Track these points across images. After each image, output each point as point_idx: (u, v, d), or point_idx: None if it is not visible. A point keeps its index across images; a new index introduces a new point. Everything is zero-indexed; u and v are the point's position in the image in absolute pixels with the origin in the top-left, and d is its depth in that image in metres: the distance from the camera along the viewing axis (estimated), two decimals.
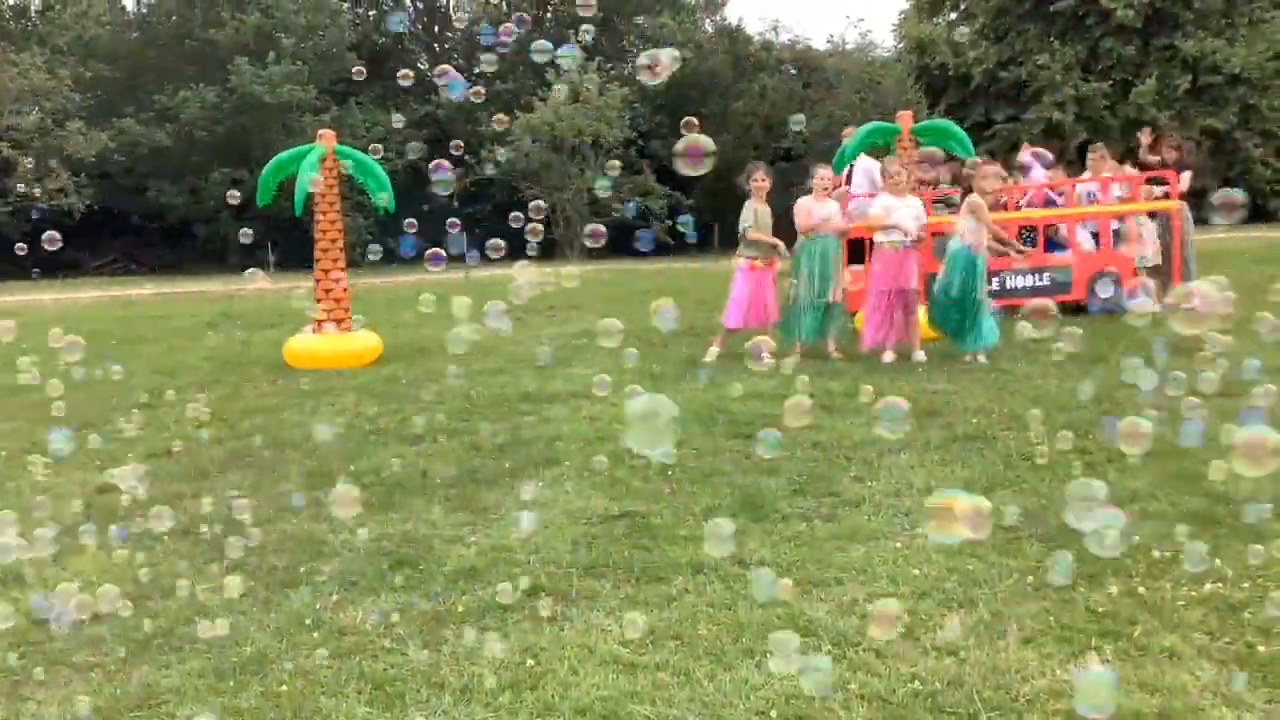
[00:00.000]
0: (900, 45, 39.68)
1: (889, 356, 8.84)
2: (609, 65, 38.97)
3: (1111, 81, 31.95)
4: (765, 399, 7.18)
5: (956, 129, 11.19)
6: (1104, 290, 11.59)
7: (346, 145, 10.40)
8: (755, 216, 9.19)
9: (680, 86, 39.15)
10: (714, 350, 9.27)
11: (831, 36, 64.66)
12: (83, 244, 36.09)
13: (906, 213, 8.92)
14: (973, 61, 33.35)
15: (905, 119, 10.86)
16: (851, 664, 3.30)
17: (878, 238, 9.05)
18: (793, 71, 43.38)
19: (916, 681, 3.16)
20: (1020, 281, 11.64)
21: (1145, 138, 12.95)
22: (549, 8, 40.80)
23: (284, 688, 3.29)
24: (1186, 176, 11.77)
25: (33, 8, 38.63)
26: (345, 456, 6.19)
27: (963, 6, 36.10)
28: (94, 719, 3.16)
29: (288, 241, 33.81)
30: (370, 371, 9.33)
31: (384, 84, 39.48)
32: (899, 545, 4.30)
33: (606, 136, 35.10)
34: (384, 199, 10.22)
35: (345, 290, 10.07)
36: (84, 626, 3.83)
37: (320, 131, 10.27)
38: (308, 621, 3.79)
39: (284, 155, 10.26)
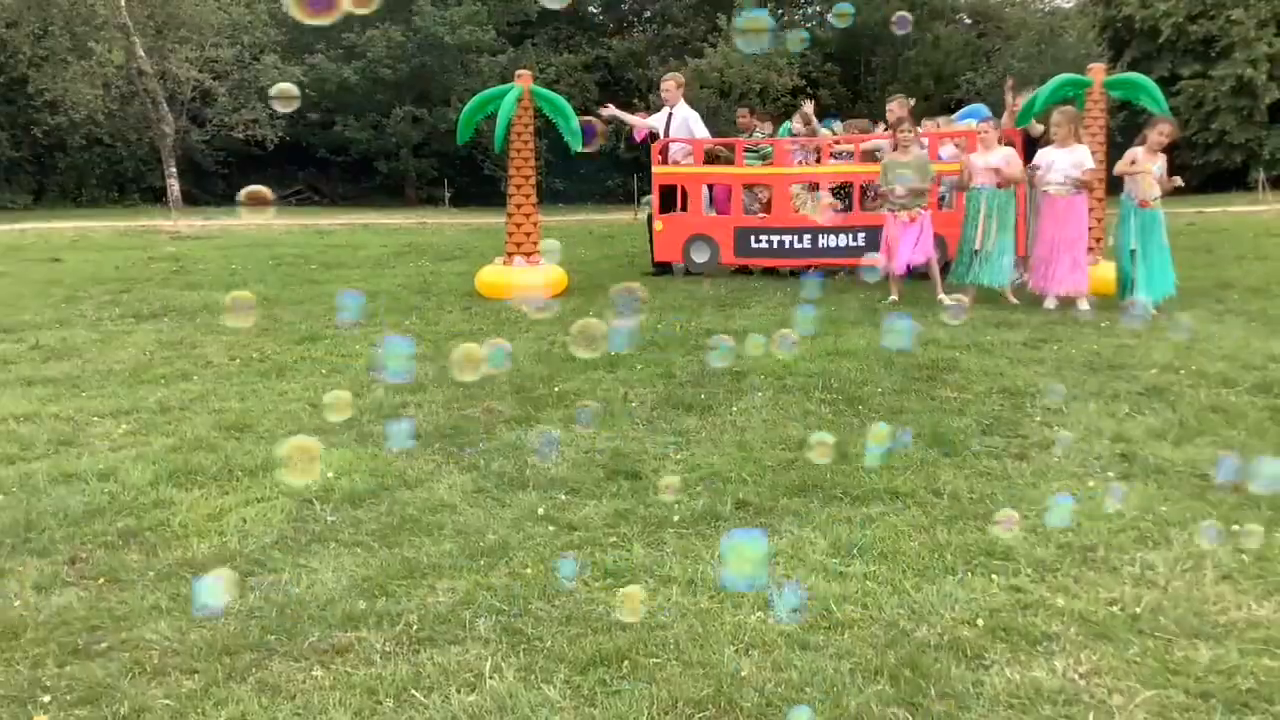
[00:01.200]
0: None
1: (1051, 303, 8.97)
2: (780, 11, 38.61)
3: None
4: (941, 345, 7.33)
5: (1149, 83, 10.91)
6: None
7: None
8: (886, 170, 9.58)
9: (852, 35, 38.55)
10: (893, 297, 9.47)
11: None
12: (272, 174, 37.93)
13: (1066, 162, 9.00)
14: (1161, 14, 31.87)
15: (1097, 72, 10.66)
16: (1050, 586, 3.51)
17: (1042, 186, 9.15)
18: (968, 21, 42.20)
19: (1116, 606, 3.35)
20: (834, 240, 11.24)
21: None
22: None
23: (527, 570, 3.69)
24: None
25: None
26: (546, 379, 6.59)
27: None
28: (365, 585, 3.61)
29: (462, 179, 34.91)
30: (557, 302, 9.77)
31: (557, 26, 40.03)
32: (1092, 484, 4.46)
33: (775, 84, 34.89)
34: (573, 140, 10.74)
35: (535, 225, 10.51)
36: (343, 510, 4.32)
37: (518, 72, 10.70)
38: (540, 513, 4.20)
39: (484, 94, 10.72)
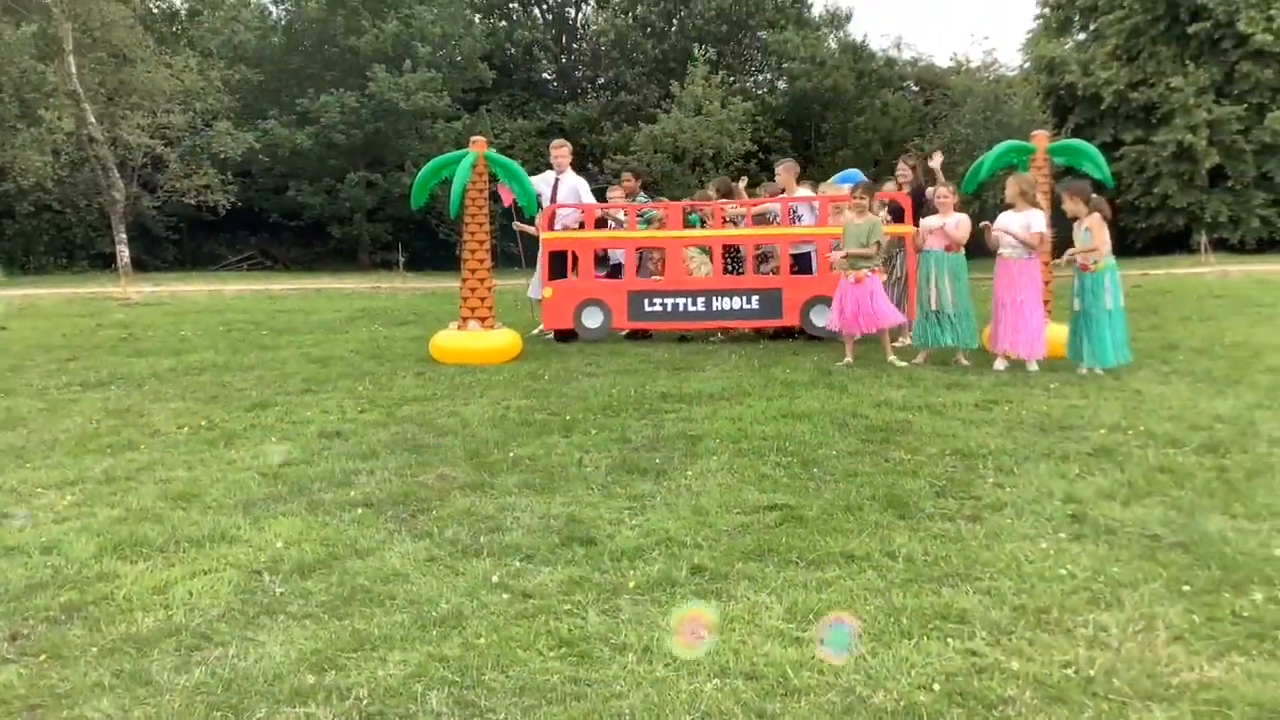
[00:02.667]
0: (1027, 64, 39.21)
1: (1000, 364, 9.10)
2: (731, 79, 39.24)
3: (1246, 105, 31.05)
4: (894, 408, 7.40)
5: (1091, 149, 11.17)
6: (819, 318, 11.19)
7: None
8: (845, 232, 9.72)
9: (802, 101, 39.25)
10: (847, 359, 9.56)
11: (955, 54, 63.92)
12: (224, 239, 37.75)
13: (1017, 223, 9.23)
14: (1103, 82, 32.73)
15: (1041, 139, 10.90)
16: (1006, 650, 3.51)
17: (1003, 250, 9.34)
18: (915, 89, 43.12)
19: (1070, 668, 3.36)
20: (728, 304, 11.41)
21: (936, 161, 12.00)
22: (674, 21, 41.21)
23: (481, 640, 3.64)
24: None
25: (182, 12, 40.50)
26: (501, 443, 6.56)
27: (1093, 27, 35.45)
28: (314, 659, 3.54)
29: (416, 244, 34.92)
30: (512, 368, 9.75)
31: (512, 92, 40.40)
32: (1045, 546, 4.48)
33: (728, 149, 35.34)
34: (528, 205, 10.92)
35: (490, 289, 10.52)
36: (292, 580, 4.25)
37: (473, 138, 10.77)
38: (495, 581, 4.16)
39: (439, 159, 10.77)
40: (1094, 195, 9.16)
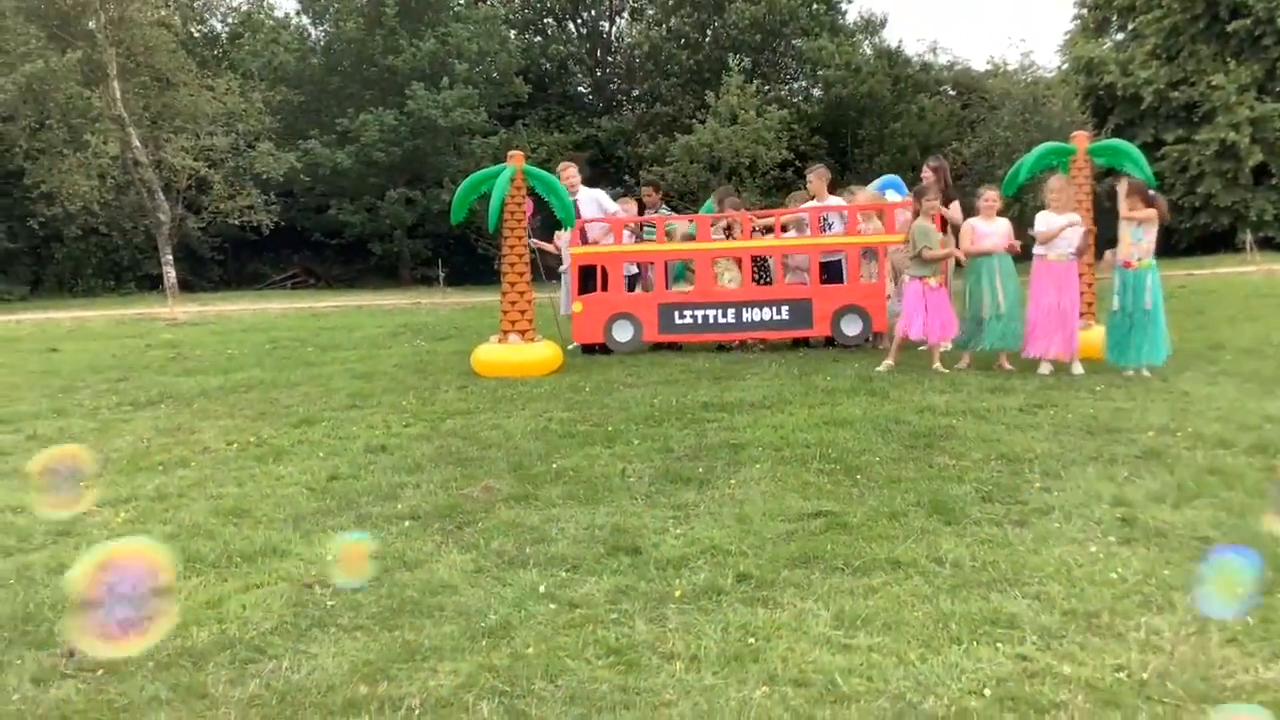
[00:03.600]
0: (1065, 65, 38.91)
1: (1045, 369, 9.03)
2: (767, 88, 39.22)
3: None
4: (937, 413, 7.36)
5: (1132, 149, 11.08)
6: (850, 328, 11.13)
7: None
8: (929, 236, 9.58)
9: (838, 108, 39.15)
10: (888, 363, 9.51)
11: (992, 57, 63.50)
12: (268, 259, 38.20)
13: (1067, 227, 9.18)
14: (1143, 82, 32.41)
15: (1081, 139, 10.83)
16: (1057, 654, 3.49)
17: (1038, 250, 9.29)
18: (951, 93, 42.88)
19: (1123, 672, 3.33)
20: (758, 315, 11.29)
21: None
22: (708, 31, 41.27)
23: (530, 650, 3.66)
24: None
25: (223, 36, 41.10)
26: (544, 455, 6.60)
27: (1131, 26, 35.11)
28: (365, 670, 3.58)
29: (456, 259, 35.17)
30: (553, 380, 9.79)
31: (548, 106, 40.62)
32: (1094, 550, 4.45)
33: (764, 158, 35.31)
34: (566, 218, 11.00)
35: (530, 302, 10.59)
36: (342, 593, 4.29)
37: (511, 153, 10.85)
38: (541, 591, 4.18)
39: (477, 175, 10.86)
40: (1153, 193, 9.10)
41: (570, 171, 12.23)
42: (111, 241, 34.55)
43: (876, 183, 13.26)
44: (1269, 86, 30.93)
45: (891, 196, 12.02)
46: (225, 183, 32.68)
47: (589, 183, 13.02)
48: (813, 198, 12.22)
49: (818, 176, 12.26)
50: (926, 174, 11.69)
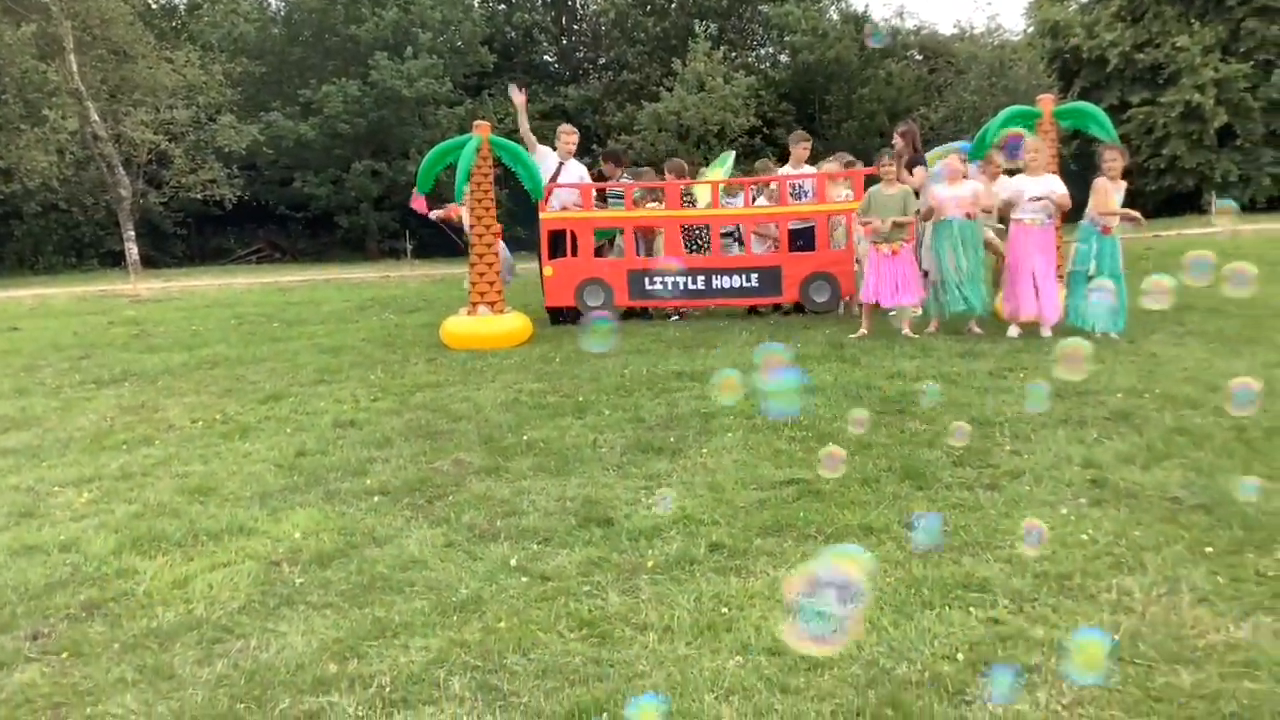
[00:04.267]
0: (1031, 29, 38.93)
1: (1014, 332, 9.05)
2: (734, 55, 39.02)
3: (1253, 63, 30.78)
4: (908, 379, 7.36)
5: (1098, 111, 11.08)
6: (819, 294, 11.18)
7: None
8: (869, 202, 9.62)
9: (806, 74, 39.03)
10: (861, 330, 9.51)
11: (958, 21, 63.49)
12: (232, 233, 37.76)
13: (1040, 190, 9.17)
14: (1108, 44, 32.46)
15: (1046, 102, 10.82)
16: (1029, 617, 3.49)
17: (1015, 214, 9.29)
18: (918, 58, 42.83)
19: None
20: (727, 281, 11.34)
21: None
22: None
23: (501, 624, 3.63)
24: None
25: (181, 7, 40.43)
26: (514, 427, 6.55)
27: None
28: (335, 648, 3.54)
29: (424, 231, 34.88)
30: (522, 352, 9.73)
31: (513, 76, 40.26)
32: (1065, 512, 4.46)
33: (732, 125, 35.18)
34: (534, 189, 10.91)
35: (498, 274, 10.50)
36: (311, 570, 4.24)
37: (476, 123, 10.72)
38: (513, 565, 4.15)
39: (443, 145, 10.73)
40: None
41: (572, 139, 12.07)
42: (72, 218, 34.04)
43: (943, 148, 13.01)
44: (1233, 47, 31.08)
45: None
46: (187, 156, 32.22)
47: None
48: (782, 166, 12.18)
49: (804, 146, 12.27)
50: (896, 139, 11.65)
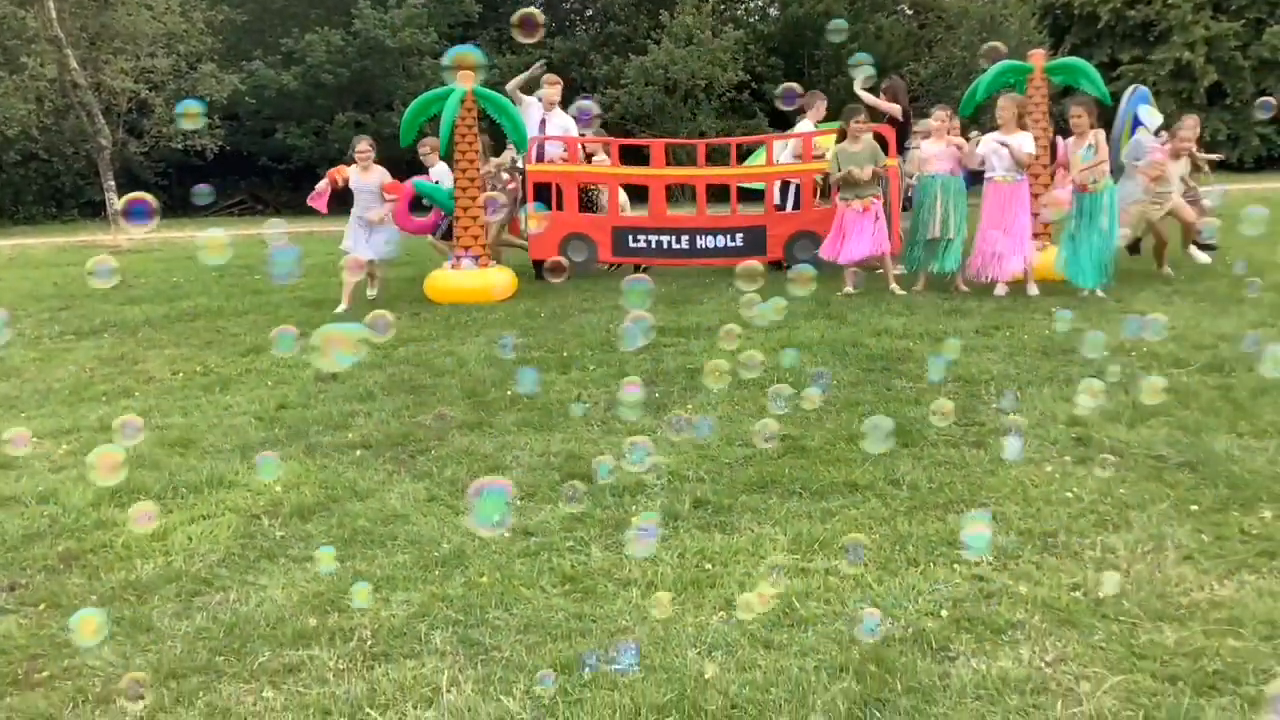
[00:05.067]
0: None
1: (1001, 290, 9.02)
2: (722, 7, 38.62)
3: (1244, 21, 30.65)
4: (894, 336, 7.33)
5: (1089, 67, 10.99)
6: (803, 254, 11.11)
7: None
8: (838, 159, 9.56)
9: (795, 28, 38.69)
10: (847, 288, 9.46)
11: None
12: (213, 184, 37.28)
13: (1014, 146, 9.11)
14: (1099, 1, 32.28)
15: (1038, 58, 10.73)
16: (1013, 574, 3.48)
17: (987, 173, 9.25)
18: (909, 12, 42.49)
19: (1079, 591, 3.33)
20: (711, 241, 11.32)
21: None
22: None
23: (484, 579, 3.61)
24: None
25: None
26: (498, 382, 6.50)
27: None
28: (316, 601, 3.51)
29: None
30: (507, 306, 9.65)
31: (499, 26, 39.79)
32: (1050, 469, 4.45)
33: (720, 80, 34.85)
34: (519, 141, 10.75)
35: (483, 226, 10.40)
36: (292, 524, 4.21)
37: (460, 73, 10.55)
38: (496, 519, 4.11)
39: (426, 95, 10.58)
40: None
41: (557, 88, 11.88)
42: (52, 167, 33.58)
43: (1126, 96, 12.63)
44: (1224, 5, 30.90)
45: (1144, 112, 11.60)
46: (167, 106, 31.75)
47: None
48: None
49: (818, 107, 12.14)
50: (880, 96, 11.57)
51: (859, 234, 9.41)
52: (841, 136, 10.01)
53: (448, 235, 10.91)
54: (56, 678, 3.08)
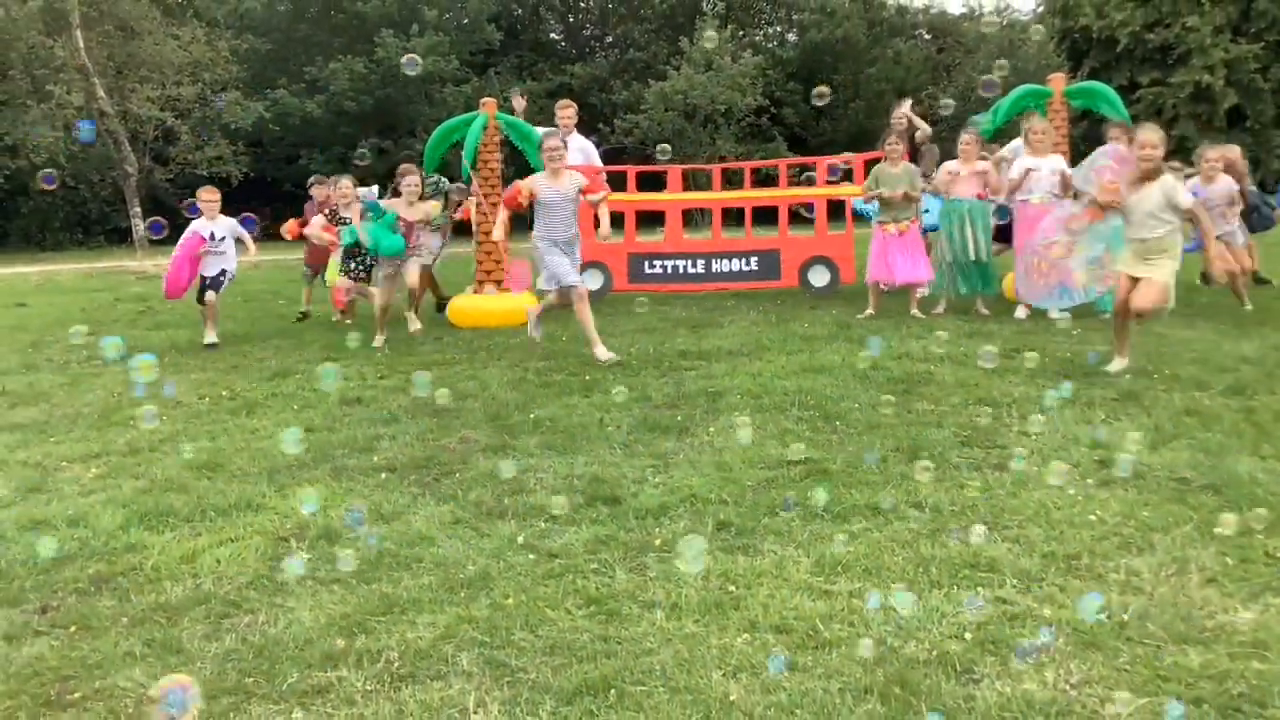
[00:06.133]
0: (1041, 8, 38.72)
1: (1022, 313, 9.02)
2: (741, 33, 38.85)
3: (1264, 44, 30.61)
4: (915, 359, 7.35)
5: (1109, 91, 11.05)
6: (817, 278, 11.10)
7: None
8: (876, 179, 9.59)
9: (813, 53, 38.87)
10: (869, 310, 9.49)
11: (967, 0, 63.08)
12: (237, 210, 37.68)
13: (1046, 170, 9.14)
14: (1118, 24, 32.30)
15: (1058, 81, 10.79)
16: (1037, 597, 3.49)
17: (1021, 195, 9.29)
18: (927, 37, 42.64)
19: (1103, 613, 3.33)
20: (726, 265, 11.28)
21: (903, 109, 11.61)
22: None
23: (509, 600, 3.63)
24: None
25: None
26: (521, 405, 6.54)
27: None
28: (343, 623, 3.54)
29: None
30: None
31: (520, 54, 40.14)
32: (1072, 492, 4.45)
33: (739, 105, 35.05)
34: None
35: (505, 251, 10.47)
36: (319, 546, 4.25)
37: (483, 100, 10.70)
38: (520, 542, 4.15)
39: (449, 123, 10.71)
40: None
41: (568, 112, 11.95)
42: (79, 194, 34.04)
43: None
44: (1243, 28, 30.91)
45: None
46: (193, 133, 32.16)
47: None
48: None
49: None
50: (899, 119, 11.60)
51: (908, 256, 9.43)
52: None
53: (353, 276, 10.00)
54: (89, 699, 3.12)
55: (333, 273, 10.67)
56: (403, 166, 10.18)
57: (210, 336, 9.76)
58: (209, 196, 10.16)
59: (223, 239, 9.97)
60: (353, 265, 9.92)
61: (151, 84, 31.33)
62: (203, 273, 9.92)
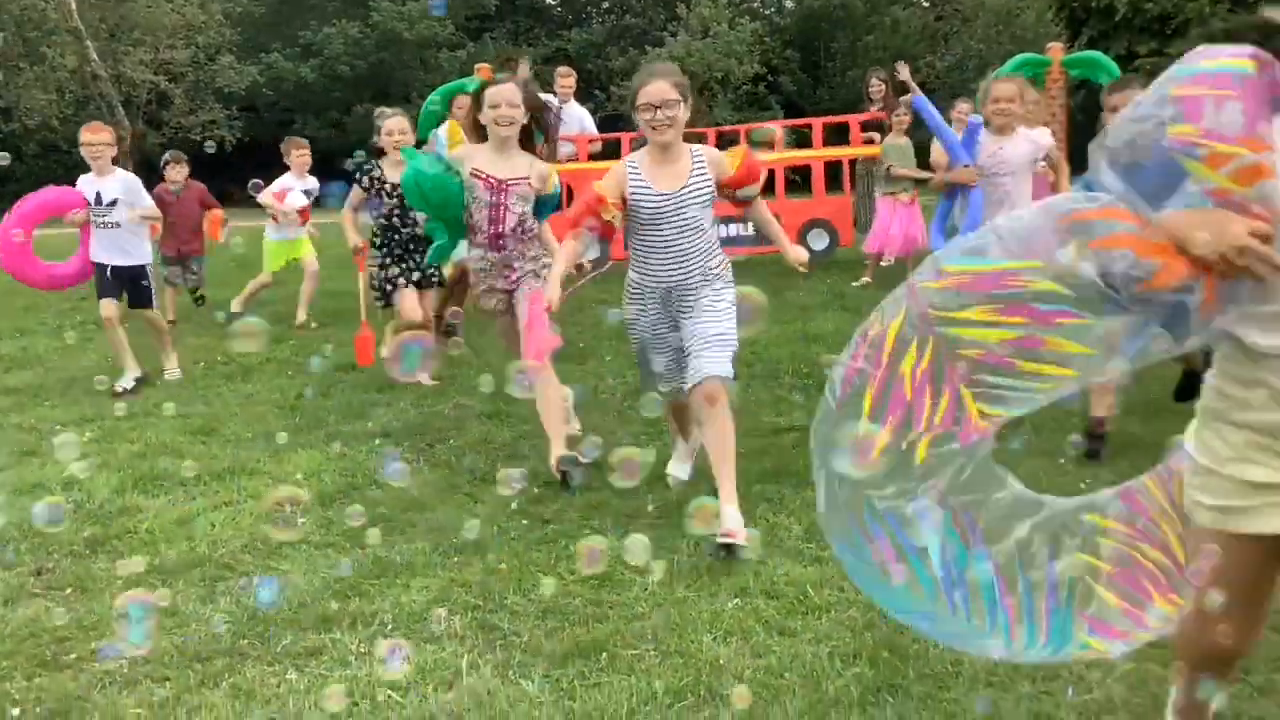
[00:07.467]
0: None
1: None
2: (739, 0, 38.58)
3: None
4: None
5: (1107, 60, 10.97)
6: (816, 242, 11.11)
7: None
8: (901, 153, 9.55)
9: (810, 20, 38.62)
10: (865, 279, 9.50)
11: None
12: (232, 176, 37.56)
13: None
14: None
15: (1056, 51, 10.73)
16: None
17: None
18: (925, 4, 42.35)
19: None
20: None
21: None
22: None
23: (503, 565, 3.66)
24: None
25: None
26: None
27: None
28: (337, 586, 3.56)
29: None
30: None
31: (515, 19, 39.83)
32: (1063, 462, 4.48)
33: (736, 72, 34.83)
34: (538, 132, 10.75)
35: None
36: (313, 511, 4.27)
37: (478, 65, 10.62)
38: (514, 508, 4.18)
39: (444, 88, 10.62)
40: None
41: (568, 81, 11.82)
42: (72, 158, 33.67)
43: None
44: None
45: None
46: (186, 97, 31.94)
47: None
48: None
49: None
50: (877, 86, 11.43)
51: (905, 227, 9.42)
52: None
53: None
54: (84, 660, 3.15)
55: (277, 260, 9.87)
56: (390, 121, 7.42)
57: (171, 369, 6.95)
58: (92, 136, 6.77)
59: (113, 203, 6.65)
60: (409, 265, 6.76)
61: (144, 47, 31.09)
62: (96, 258, 6.82)
